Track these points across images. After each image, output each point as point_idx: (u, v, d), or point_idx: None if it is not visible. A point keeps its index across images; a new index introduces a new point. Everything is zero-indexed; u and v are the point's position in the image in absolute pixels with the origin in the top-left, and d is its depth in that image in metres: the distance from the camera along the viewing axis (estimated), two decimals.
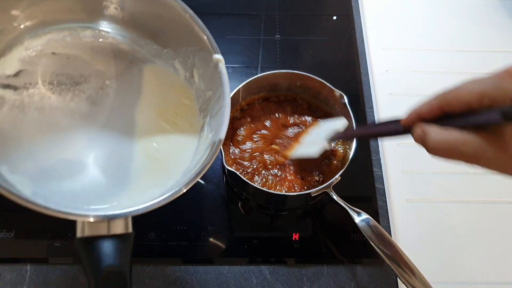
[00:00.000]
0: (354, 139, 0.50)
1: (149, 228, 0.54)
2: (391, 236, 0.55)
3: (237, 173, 0.47)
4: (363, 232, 0.46)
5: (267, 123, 0.58)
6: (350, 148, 0.50)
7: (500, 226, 0.56)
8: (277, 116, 0.58)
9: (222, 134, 0.39)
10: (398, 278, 0.49)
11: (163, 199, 0.34)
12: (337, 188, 0.49)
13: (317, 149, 0.48)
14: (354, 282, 0.52)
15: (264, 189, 0.48)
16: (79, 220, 0.31)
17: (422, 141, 0.31)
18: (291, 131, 0.57)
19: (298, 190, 0.52)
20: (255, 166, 0.54)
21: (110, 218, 0.31)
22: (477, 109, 0.27)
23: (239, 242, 0.54)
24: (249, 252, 0.53)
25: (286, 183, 0.53)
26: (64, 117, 0.44)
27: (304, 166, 0.54)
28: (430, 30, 0.73)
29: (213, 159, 0.38)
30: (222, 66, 0.43)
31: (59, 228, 0.53)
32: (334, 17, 0.75)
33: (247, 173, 0.53)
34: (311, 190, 0.48)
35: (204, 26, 0.44)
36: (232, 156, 0.55)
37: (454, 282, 0.52)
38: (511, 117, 0.24)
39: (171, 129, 0.47)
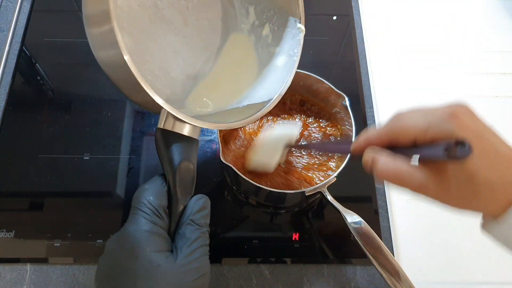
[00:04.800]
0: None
1: None
2: (391, 236, 0.55)
3: (232, 166, 0.47)
4: (353, 234, 0.46)
5: (267, 121, 0.58)
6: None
7: None
8: (278, 114, 0.58)
9: (283, 91, 0.46)
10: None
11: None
12: (336, 188, 0.49)
13: (272, 162, 0.49)
14: (354, 282, 0.52)
15: (255, 183, 0.48)
16: (162, 111, 0.35)
17: (369, 168, 0.32)
18: None
19: (294, 188, 0.52)
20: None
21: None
22: (421, 143, 0.29)
23: (239, 242, 0.54)
24: (249, 252, 0.53)
25: (281, 179, 0.53)
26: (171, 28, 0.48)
27: (304, 166, 0.54)
28: (430, 30, 0.73)
29: (268, 109, 0.44)
30: (302, 36, 0.47)
31: (59, 228, 0.53)
32: (334, 17, 0.75)
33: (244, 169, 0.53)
34: (305, 189, 0.48)
35: None
36: (230, 152, 0.55)
37: (454, 282, 0.52)
38: (452, 155, 0.25)
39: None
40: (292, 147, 0.50)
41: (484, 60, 0.71)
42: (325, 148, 0.42)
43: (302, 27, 0.47)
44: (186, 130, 0.37)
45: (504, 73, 0.69)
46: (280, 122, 0.57)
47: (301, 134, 0.56)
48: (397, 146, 0.31)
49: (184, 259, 0.33)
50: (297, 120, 0.57)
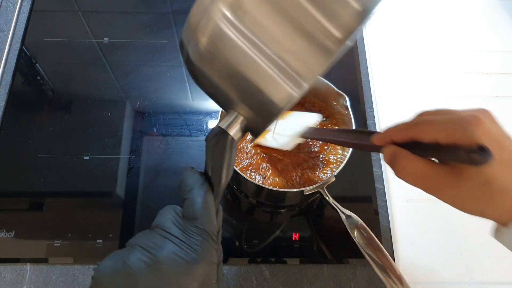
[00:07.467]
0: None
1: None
2: (391, 236, 0.55)
3: None
4: (351, 234, 0.46)
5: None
6: (347, 150, 0.51)
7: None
8: None
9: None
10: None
11: None
12: (336, 187, 0.49)
13: (289, 143, 0.49)
14: (354, 282, 0.52)
15: (254, 182, 0.48)
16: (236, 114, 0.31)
17: (391, 163, 0.33)
18: None
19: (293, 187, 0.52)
20: (252, 161, 0.54)
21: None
22: (443, 145, 0.29)
23: (239, 242, 0.54)
24: (249, 252, 0.53)
25: (281, 179, 0.53)
26: None
27: (303, 165, 0.54)
28: (430, 30, 0.73)
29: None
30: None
31: (59, 228, 0.53)
32: None
33: (246, 169, 0.53)
34: (303, 189, 0.48)
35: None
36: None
37: (454, 282, 0.52)
38: (473, 160, 0.26)
39: None
40: (308, 135, 0.49)
41: (484, 60, 0.71)
42: (345, 141, 0.42)
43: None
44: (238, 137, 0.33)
45: (504, 73, 0.69)
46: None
47: None
48: (418, 143, 0.31)
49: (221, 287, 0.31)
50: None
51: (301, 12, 0.25)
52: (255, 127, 0.31)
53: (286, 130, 0.51)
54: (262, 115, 0.30)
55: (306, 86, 0.26)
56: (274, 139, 0.51)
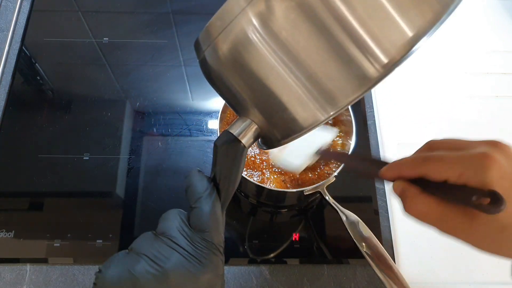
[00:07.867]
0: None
1: (149, 229, 0.53)
2: (391, 236, 0.55)
3: None
4: (351, 234, 0.46)
5: None
6: (347, 150, 0.51)
7: None
8: None
9: None
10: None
11: None
12: (337, 187, 0.49)
13: (300, 165, 0.47)
14: (354, 282, 0.52)
15: (254, 181, 0.48)
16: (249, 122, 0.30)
17: (401, 199, 0.31)
18: None
19: (292, 187, 0.52)
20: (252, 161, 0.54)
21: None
22: (453, 183, 0.28)
23: (239, 242, 0.54)
24: (249, 252, 0.53)
25: (284, 178, 0.53)
26: None
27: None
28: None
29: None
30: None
31: (59, 228, 0.53)
32: None
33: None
34: (303, 189, 0.48)
35: None
36: None
37: (454, 282, 0.52)
38: (484, 208, 0.25)
39: None
40: (320, 154, 0.48)
41: (484, 60, 0.71)
42: (354, 167, 0.40)
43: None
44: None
45: (504, 73, 0.69)
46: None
47: None
48: (427, 180, 0.30)
49: None
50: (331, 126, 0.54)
51: (345, 31, 0.23)
52: (269, 138, 0.30)
53: (300, 150, 0.48)
54: (280, 130, 0.29)
55: (334, 112, 0.25)
56: (286, 162, 0.49)
